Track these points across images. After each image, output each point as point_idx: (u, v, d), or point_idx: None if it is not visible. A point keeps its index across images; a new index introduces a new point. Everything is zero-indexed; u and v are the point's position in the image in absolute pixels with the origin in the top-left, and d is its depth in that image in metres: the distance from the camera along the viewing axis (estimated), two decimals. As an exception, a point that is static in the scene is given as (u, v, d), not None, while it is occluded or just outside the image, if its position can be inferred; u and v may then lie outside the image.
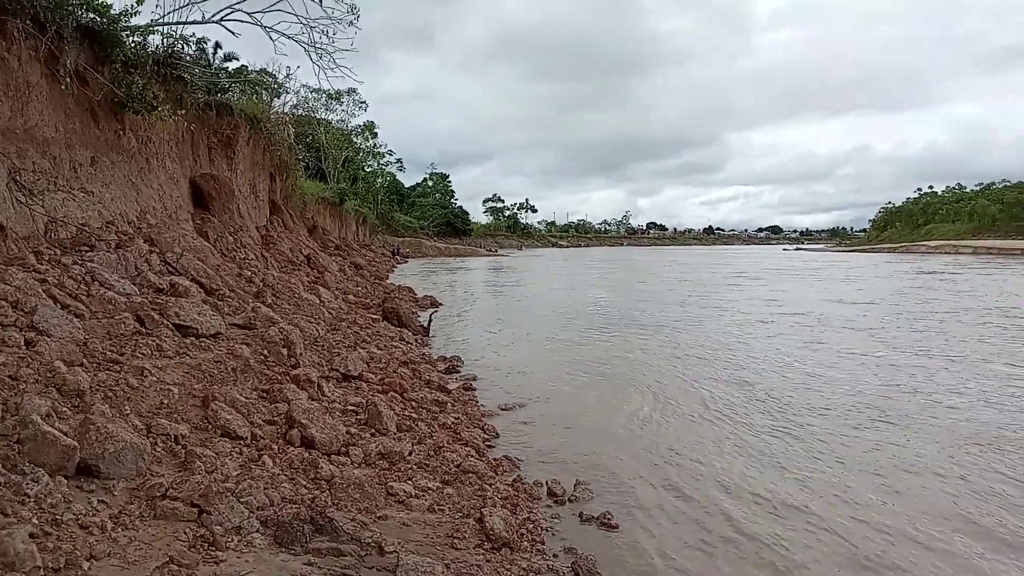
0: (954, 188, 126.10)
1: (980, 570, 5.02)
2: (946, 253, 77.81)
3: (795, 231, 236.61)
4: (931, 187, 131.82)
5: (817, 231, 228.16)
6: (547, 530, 5.46)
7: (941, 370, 12.03)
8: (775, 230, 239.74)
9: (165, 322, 7.12)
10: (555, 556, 4.97)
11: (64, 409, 4.66)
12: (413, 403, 8.40)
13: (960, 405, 9.64)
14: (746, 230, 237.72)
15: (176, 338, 7.06)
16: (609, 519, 5.68)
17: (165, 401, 5.56)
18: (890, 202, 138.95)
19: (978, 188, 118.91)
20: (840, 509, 6.06)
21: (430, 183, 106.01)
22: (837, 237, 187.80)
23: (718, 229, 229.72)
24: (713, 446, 7.88)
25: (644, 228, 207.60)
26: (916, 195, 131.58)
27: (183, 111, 11.72)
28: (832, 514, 5.94)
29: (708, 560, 5.12)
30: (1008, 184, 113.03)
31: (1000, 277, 36.84)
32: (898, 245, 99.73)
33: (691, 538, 5.49)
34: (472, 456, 6.70)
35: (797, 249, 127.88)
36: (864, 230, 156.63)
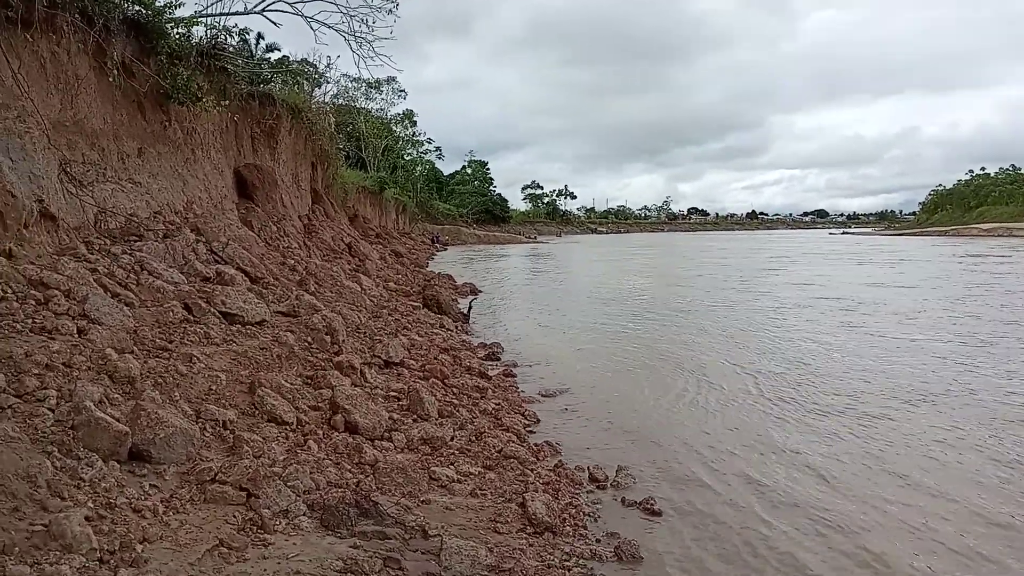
0: (1008, 169, 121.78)
1: None
2: (999, 236, 75.31)
3: (841, 215, 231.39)
4: (983, 169, 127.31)
5: (864, 215, 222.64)
6: (589, 515, 5.44)
7: (975, 352, 11.88)
8: (821, 214, 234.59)
9: (212, 310, 7.26)
10: (597, 541, 4.96)
11: (116, 395, 4.79)
12: (454, 389, 8.45)
13: (994, 387, 9.49)
14: (791, 214, 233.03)
15: (223, 325, 7.20)
16: (652, 505, 5.64)
17: (213, 387, 5.68)
18: (940, 185, 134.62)
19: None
20: (872, 501, 5.94)
21: (469, 171, 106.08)
22: (885, 221, 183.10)
23: (762, 214, 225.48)
24: (756, 432, 7.78)
25: (685, 213, 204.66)
26: (967, 177, 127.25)
27: (227, 102, 11.87)
28: (867, 499, 5.83)
29: (752, 547, 5.06)
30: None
31: None
32: (949, 228, 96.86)
33: (734, 524, 5.42)
34: (513, 442, 6.72)
35: (844, 233, 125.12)
36: (913, 213, 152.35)
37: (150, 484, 4.17)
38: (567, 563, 4.49)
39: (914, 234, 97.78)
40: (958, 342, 12.94)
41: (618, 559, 4.68)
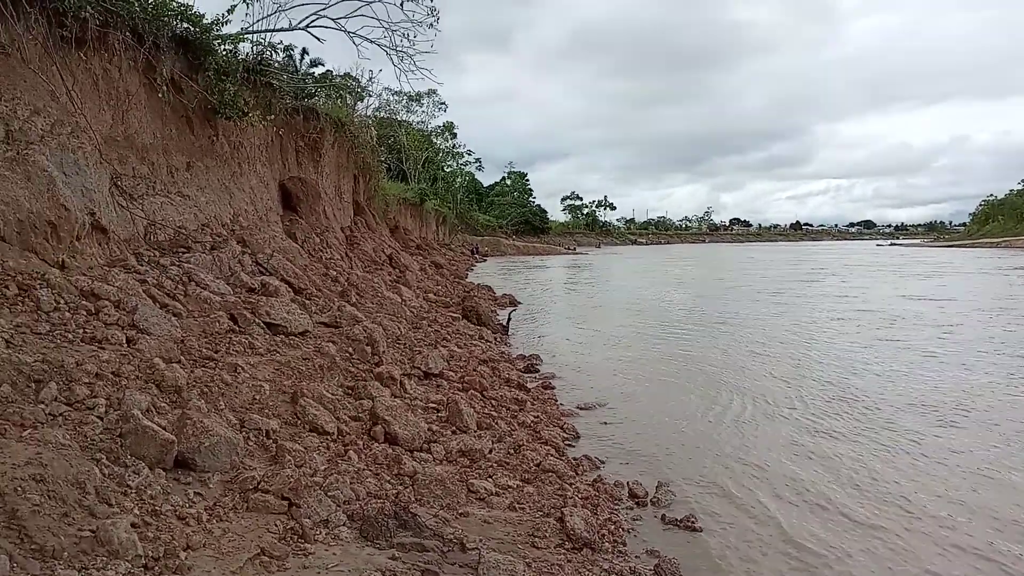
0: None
1: None
2: (1055, 248, 72.95)
3: (889, 225, 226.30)
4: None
5: (913, 225, 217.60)
6: (628, 531, 5.39)
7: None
8: (868, 225, 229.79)
9: (257, 320, 7.38)
10: (637, 558, 4.91)
11: (163, 404, 4.89)
12: (493, 401, 8.45)
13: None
14: (836, 225, 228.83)
15: (267, 336, 7.31)
16: (693, 522, 5.57)
17: (257, 397, 5.77)
18: (992, 194, 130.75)
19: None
20: (923, 519, 5.77)
21: (508, 182, 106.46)
22: (934, 232, 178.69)
23: (806, 224, 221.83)
24: (797, 448, 7.66)
25: (727, 224, 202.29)
26: (1020, 187, 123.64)
27: (272, 116, 12.11)
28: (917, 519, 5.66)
29: (794, 567, 4.95)
30: None
31: None
32: (1001, 240, 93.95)
33: (777, 543, 5.32)
34: (552, 455, 6.69)
35: (892, 244, 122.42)
36: (963, 224, 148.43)
37: (194, 492, 4.24)
38: (605, 580, 4.45)
39: (964, 246, 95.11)
40: (993, 356, 12.71)
41: (658, 577, 4.63)
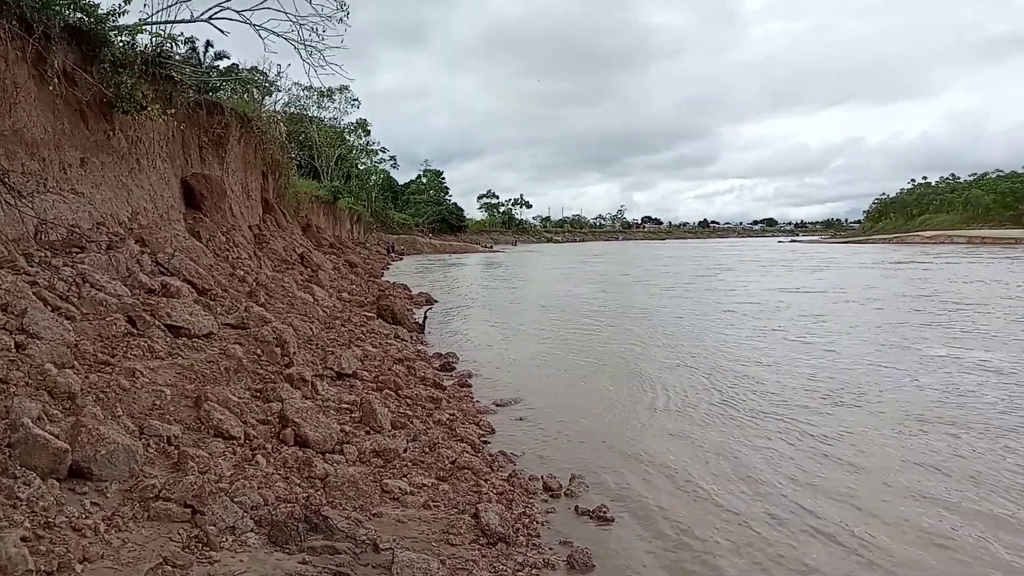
0: (948, 179, 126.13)
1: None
2: (940, 243, 78.13)
3: (790, 223, 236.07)
4: (925, 178, 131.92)
5: (812, 223, 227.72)
6: (543, 524, 5.45)
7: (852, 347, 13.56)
8: (770, 222, 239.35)
9: (157, 323, 7.10)
10: (551, 549, 4.97)
11: (55, 412, 4.64)
12: (408, 400, 8.39)
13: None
14: (741, 223, 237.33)
15: (168, 339, 7.04)
16: (604, 512, 5.68)
17: (157, 402, 5.55)
18: (884, 193, 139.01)
19: (972, 178, 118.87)
20: (829, 496, 6.09)
21: (424, 180, 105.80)
22: (832, 229, 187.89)
23: (713, 222, 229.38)
24: (701, 436, 7.96)
25: (639, 222, 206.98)
26: (910, 186, 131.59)
27: (173, 110, 11.66)
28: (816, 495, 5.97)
29: (701, 552, 5.13)
30: (1001, 174, 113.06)
31: (967, 266, 37.65)
32: (892, 236, 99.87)
33: (685, 530, 5.49)
34: (467, 452, 6.71)
35: (792, 241, 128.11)
36: (858, 221, 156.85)
37: (91, 502, 4.05)
38: (520, 573, 4.49)
39: (859, 242, 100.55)
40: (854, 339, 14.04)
41: (571, 567, 4.70)
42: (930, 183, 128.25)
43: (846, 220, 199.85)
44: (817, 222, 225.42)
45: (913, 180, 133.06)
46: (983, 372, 10.90)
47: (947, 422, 8.29)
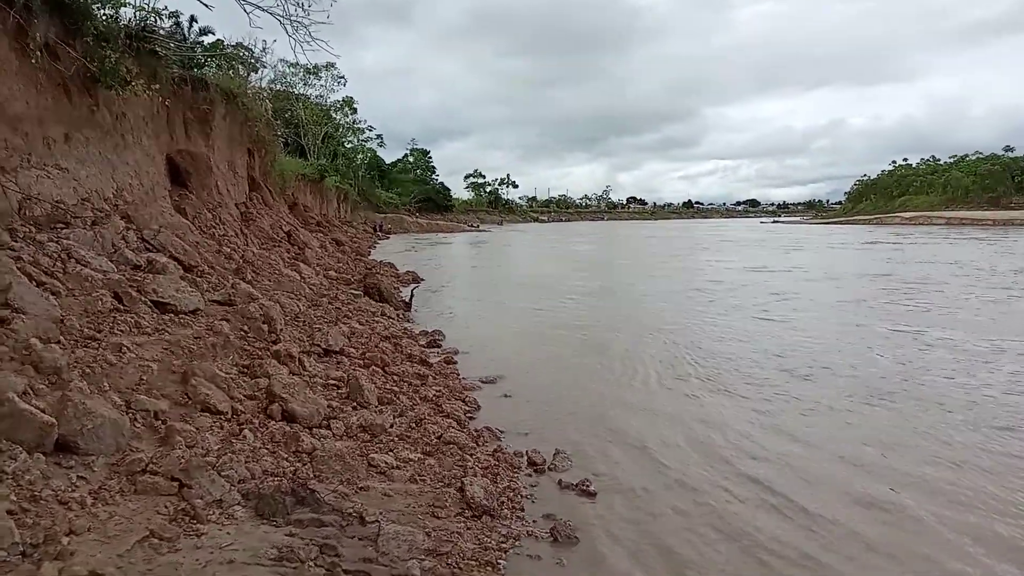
0: (928, 160, 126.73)
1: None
2: (920, 224, 78.88)
3: (772, 204, 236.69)
4: (905, 160, 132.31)
5: (794, 204, 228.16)
6: (527, 498, 5.53)
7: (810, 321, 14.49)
8: (753, 203, 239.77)
9: (143, 299, 7.08)
10: (534, 522, 5.06)
11: (41, 386, 4.65)
12: (395, 377, 8.43)
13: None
14: (724, 204, 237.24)
15: (154, 315, 7.03)
16: (587, 486, 5.77)
17: (144, 377, 5.56)
18: (865, 175, 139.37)
19: (951, 160, 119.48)
20: (795, 471, 6.20)
21: (411, 159, 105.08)
22: (814, 210, 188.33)
23: (697, 203, 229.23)
24: (682, 409, 8.18)
25: (624, 202, 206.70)
26: (891, 167, 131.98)
27: (157, 86, 11.49)
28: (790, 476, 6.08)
29: (681, 524, 5.22)
30: (980, 156, 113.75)
31: (936, 247, 38.77)
32: (873, 217, 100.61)
33: (666, 502, 5.60)
34: (453, 428, 6.77)
35: (774, 222, 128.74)
36: (840, 203, 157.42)
37: (78, 476, 4.08)
38: (504, 545, 4.56)
39: (840, 222, 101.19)
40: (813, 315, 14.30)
41: (554, 540, 4.79)
42: (911, 165, 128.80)
43: (827, 201, 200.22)
44: (799, 203, 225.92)
45: (894, 162, 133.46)
46: (931, 348, 11.45)
47: (893, 397, 8.65)
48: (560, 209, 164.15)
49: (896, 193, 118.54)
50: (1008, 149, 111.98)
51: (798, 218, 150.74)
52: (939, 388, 8.99)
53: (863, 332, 12.93)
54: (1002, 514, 5.40)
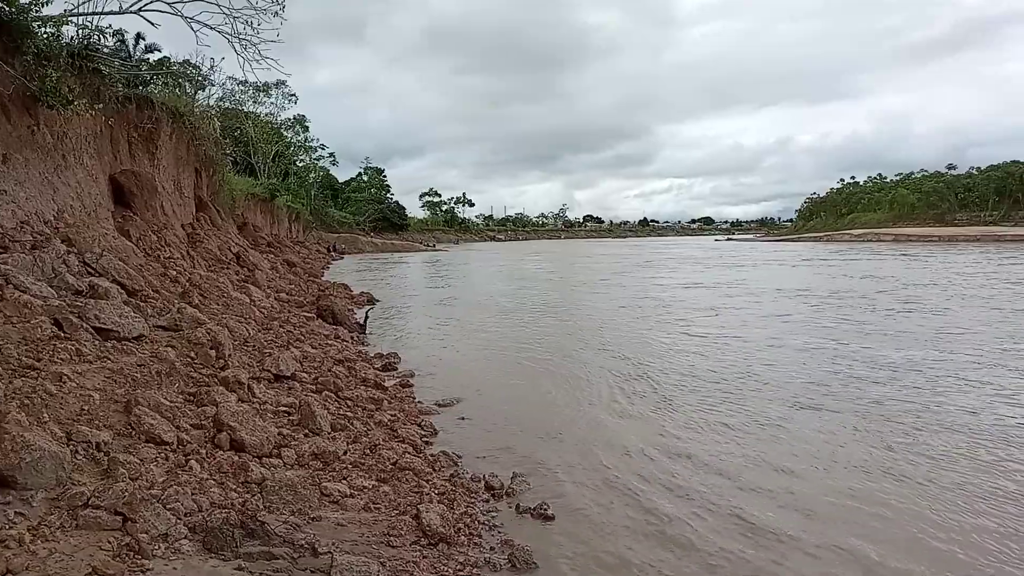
0: (875, 178, 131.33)
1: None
2: (868, 241, 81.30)
3: (726, 222, 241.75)
4: (853, 177, 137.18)
5: (747, 221, 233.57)
6: (484, 524, 5.48)
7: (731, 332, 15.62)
8: (707, 221, 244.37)
9: (84, 325, 6.84)
10: (492, 549, 5.01)
11: (-25, 419, 4.44)
12: (348, 402, 8.31)
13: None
14: (679, 221, 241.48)
15: (96, 342, 6.80)
16: (545, 510, 5.74)
17: (86, 407, 5.36)
18: (815, 192, 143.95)
19: (897, 178, 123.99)
20: (745, 491, 6.28)
21: (365, 178, 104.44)
22: (766, 227, 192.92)
23: (653, 221, 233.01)
24: (637, 430, 8.23)
25: (581, 220, 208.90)
26: (839, 185, 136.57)
27: (101, 105, 11.26)
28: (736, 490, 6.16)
29: (640, 546, 5.23)
30: (926, 174, 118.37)
31: (870, 263, 40.88)
32: (823, 234, 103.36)
33: (624, 525, 5.60)
34: (409, 453, 6.68)
35: (728, 239, 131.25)
36: (791, 220, 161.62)
37: (15, 512, 3.90)
38: (461, 573, 4.51)
39: (791, 239, 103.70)
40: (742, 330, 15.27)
41: (512, 566, 4.75)
42: (858, 182, 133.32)
43: (779, 218, 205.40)
44: (752, 221, 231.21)
45: (842, 179, 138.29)
46: (840, 361, 11.97)
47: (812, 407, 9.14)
48: (517, 227, 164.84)
49: (845, 211, 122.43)
50: (951, 167, 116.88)
51: (751, 236, 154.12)
52: (843, 397, 9.54)
53: (769, 345, 13.70)
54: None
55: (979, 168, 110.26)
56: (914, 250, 55.41)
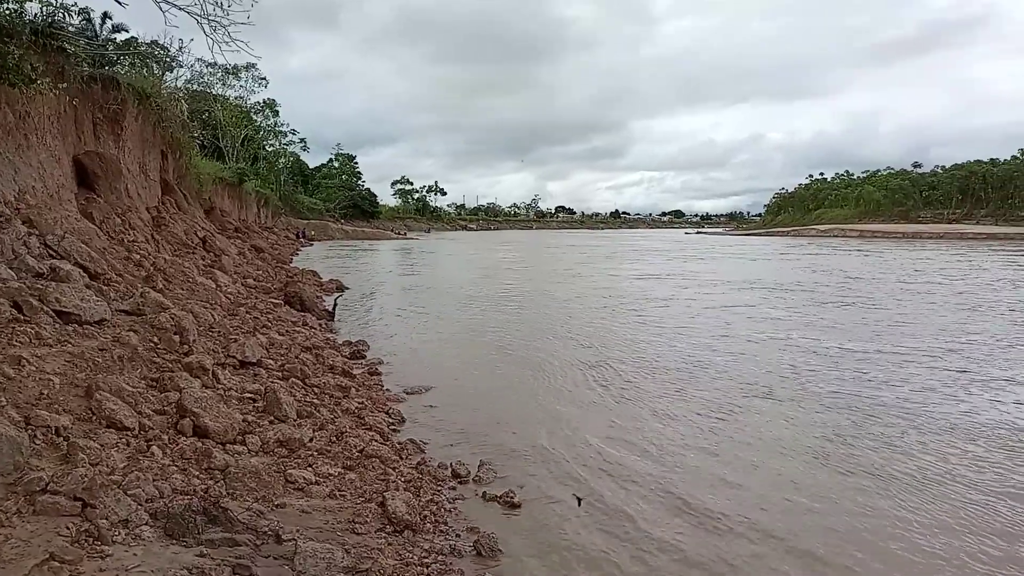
0: (842, 175, 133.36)
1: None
2: (834, 236, 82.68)
3: (696, 215, 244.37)
4: (821, 174, 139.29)
5: (717, 215, 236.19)
6: (450, 511, 5.50)
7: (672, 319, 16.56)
8: (678, 214, 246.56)
9: (45, 308, 6.71)
10: (458, 536, 5.02)
11: (-71, 403, 4.34)
12: (315, 389, 8.25)
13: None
14: (650, 214, 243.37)
15: (57, 325, 6.67)
16: (511, 497, 5.77)
17: (45, 392, 5.26)
18: (783, 188, 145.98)
19: (864, 175, 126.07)
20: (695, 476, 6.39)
21: (336, 164, 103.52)
22: (735, 221, 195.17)
23: (624, 213, 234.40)
24: (602, 418, 8.37)
25: (553, 212, 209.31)
26: (807, 181, 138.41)
27: (65, 84, 10.99)
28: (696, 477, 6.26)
29: (604, 532, 5.28)
30: (891, 171, 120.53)
31: (828, 258, 42.47)
32: (791, 229, 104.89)
33: (589, 513, 5.65)
34: (376, 441, 6.66)
35: (698, 232, 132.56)
36: (760, 215, 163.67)
37: (-30, 498, 3.82)
38: (426, 560, 4.51)
39: (760, 234, 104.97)
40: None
41: (477, 553, 4.76)
42: (826, 179, 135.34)
43: (748, 213, 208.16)
44: (721, 215, 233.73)
45: (810, 176, 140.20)
46: (786, 352, 12.43)
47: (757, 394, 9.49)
48: (489, 217, 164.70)
49: (812, 206, 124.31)
50: (916, 165, 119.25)
51: (720, 229, 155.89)
52: (783, 385, 9.94)
53: (709, 334, 14.39)
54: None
55: (943, 167, 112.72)
56: (872, 246, 57.32)
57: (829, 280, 26.71)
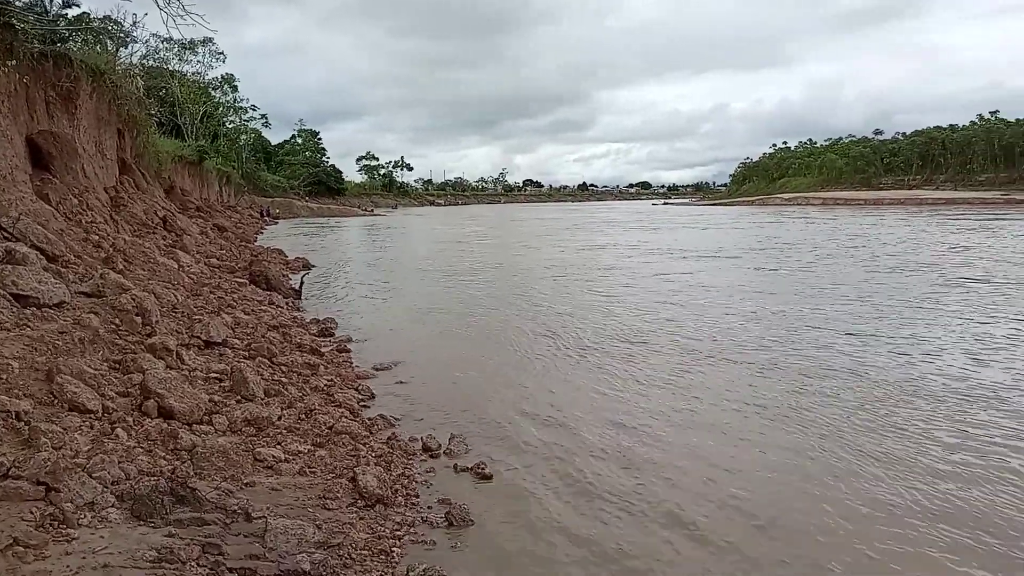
0: (805, 143, 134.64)
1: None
2: (798, 204, 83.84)
3: (663, 186, 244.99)
4: (785, 143, 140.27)
5: (683, 186, 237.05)
6: (422, 484, 5.53)
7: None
8: (645, 185, 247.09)
9: (2, 292, 6.54)
10: (429, 508, 5.06)
11: None
12: (283, 367, 8.19)
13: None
14: (618, 186, 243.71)
15: (14, 309, 6.51)
16: (483, 469, 5.81)
17: (4, 376, 5.15)
18: (748, 157, 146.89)
19: (827, 143, 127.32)
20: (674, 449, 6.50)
21: (299, 140, 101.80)
22: (701, 192, 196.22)
23: (592, 185, 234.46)
24: (573, 388, 8.48)
25: (521, 185, 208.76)
26: (771, 150, 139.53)
27: (14, 62, 10.65)
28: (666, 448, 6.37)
29: (576, 502, 5.35)
30: (853, 139, 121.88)
31: (790, 225, 44.29)
32: (755, 198, 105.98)
33: (560, 481, 5.72)
34: (346, 417, 6.65)
35: (664, 203, 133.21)
36: (726, 185, 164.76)
37: (-73, 486, 3.75)
38: (398, 533, 4.54)
39: (725, 204, 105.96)
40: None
41: (449, 524, 4.80)
42: (790, 148, 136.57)
43: (714, 183, 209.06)
44: (688, 185, 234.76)
45: (774, 145, 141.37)
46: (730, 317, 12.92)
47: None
48: (456, 192, 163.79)
49: (776, 175, 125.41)
50: (877, 132, 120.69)
51: (687, 200, 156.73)
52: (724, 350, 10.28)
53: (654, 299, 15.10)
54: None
55: (904, 134, 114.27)
56: (825, 214, 58.36)
57: (774, 246, 28.12)
